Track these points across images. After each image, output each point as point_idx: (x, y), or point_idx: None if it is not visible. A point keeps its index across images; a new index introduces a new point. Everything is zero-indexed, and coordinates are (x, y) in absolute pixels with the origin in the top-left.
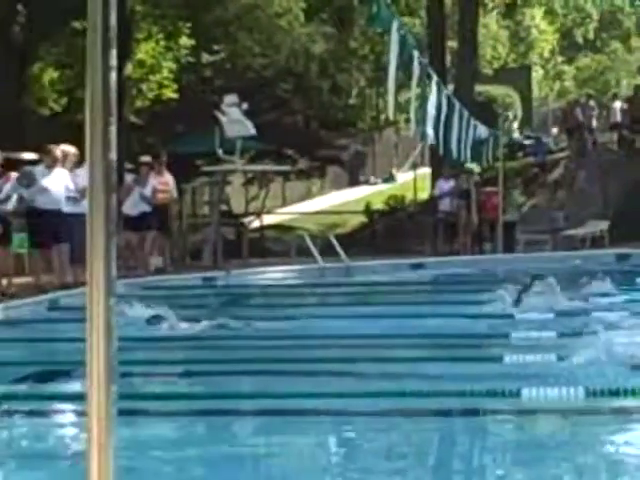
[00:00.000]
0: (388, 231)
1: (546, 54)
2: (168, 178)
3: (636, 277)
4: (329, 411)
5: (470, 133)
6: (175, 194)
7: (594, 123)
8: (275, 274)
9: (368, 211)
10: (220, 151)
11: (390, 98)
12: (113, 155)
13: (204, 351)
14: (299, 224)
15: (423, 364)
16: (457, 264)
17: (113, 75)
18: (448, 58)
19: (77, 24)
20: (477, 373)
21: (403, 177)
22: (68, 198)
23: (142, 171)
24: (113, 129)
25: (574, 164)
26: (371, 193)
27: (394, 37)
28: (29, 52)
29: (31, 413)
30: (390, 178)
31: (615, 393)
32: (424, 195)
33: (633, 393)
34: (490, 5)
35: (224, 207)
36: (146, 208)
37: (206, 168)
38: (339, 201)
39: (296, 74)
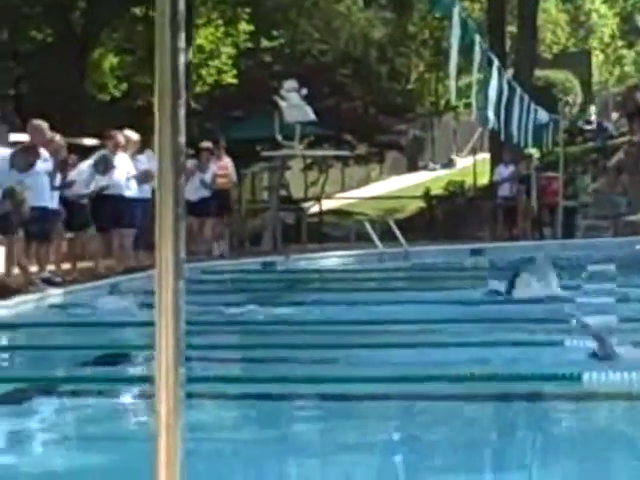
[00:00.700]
0: (447, 216)
1: (606, 38)
2: (227, 163)
3: None
4: (391, 395)
5: (531, 118)
6: (235, 178)
7: None
8: (334, 259)
9: (427, 196)
10: (279, 136)
11: (452, 82)
12: (182, 138)
13: (263, 336)
14: (358, 209)
15: (482, 349)
16: (516, 250)
17: (182, 58)
18: (508, 43)
19: (137, 10)
20: (538, 357)
21: (462, 162)
22: (128, 181)
23: (203, 157)
24: (182, 112)
25: (636, 149)
26: (430, 178)
27: (455, 21)
28: (89, 38)
29: (98, 394)
30: (449, 163)
31: None
32: (483, 180)
33: None
34: None
35: (283, 192)
36: (206, 193)
37: (265, 153)
38: (398, 186)
39: (355, 59)
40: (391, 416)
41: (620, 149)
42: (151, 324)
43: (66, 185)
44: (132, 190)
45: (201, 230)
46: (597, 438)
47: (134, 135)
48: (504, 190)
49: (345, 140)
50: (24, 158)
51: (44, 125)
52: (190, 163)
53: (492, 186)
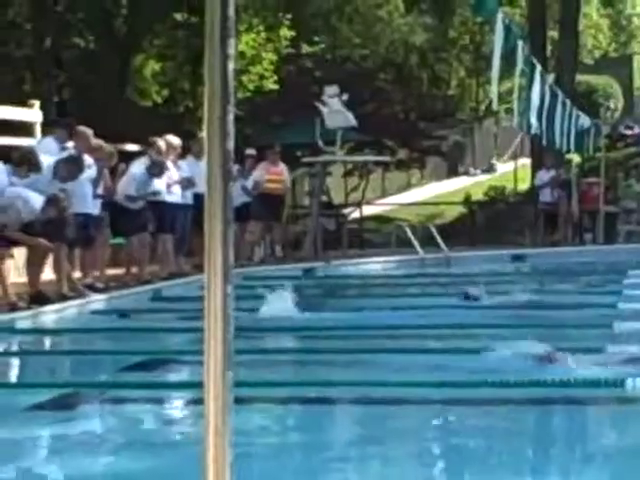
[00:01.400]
0: (488, 222)
1: None
2: (282, 168)
3: None
4: (429, 400)
5: (573, 123)
6: (289, 184)
7: None
8: (375, 265)
9: (468, 202)
10: (320, 142)
11: (493, 88)
12: (231, 144)
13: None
14: (398, 215)
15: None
16: (557, 255)
17: (231, 64)
18: (549, 48)
19: (178, 16)
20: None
21: (503, 168)
22: (170, 187)
23: (247, 163)
24: (231, 118)
25: None
26: (471, 184)
27: (499, 27)
28: (131, 45)
29: (144, 400)
30: (490, 169)
31: None
32: (524, 186)
33: None
34: None
35: (324, 198)
36: (247, 199)
37: (307, 159)
38: (438, 192)
39: (396, 65)
40: (432, 421)
41: None
42: (196, 330)
43: (128, 197)
44: (175, 196)
45: (242, 235)
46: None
47: (176, 140)
48: (545, 195)
49: (386, 145)
50: (67, 169)
51: (89, 132)
52: (233, 169)
53: (533, 191)
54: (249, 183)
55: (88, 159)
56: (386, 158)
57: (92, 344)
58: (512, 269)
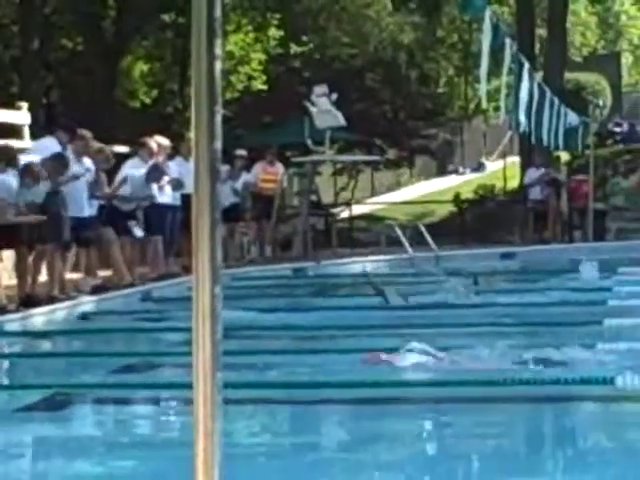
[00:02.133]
0: (477, 220)
1: (636, 40)
2: (279, 169)
3: None
4: (421, 399)
5: (561, 121)
6: (284, 185)
7: None
8: (365, 264)
9: (457, 200)
10: (310, 142)
11: (482, 86)
12: (218, 144)
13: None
14: (388, 214)
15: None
16: (547, 253)
17: (218, 64)
18: (537, 46)
19: (166, 17)
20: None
21: (492, 166)
22: (162, 188)
23: (236, 164)
24: (218, 119)
25: None
26: (460, 182)
27: (487, 25)
28: (120, 46)
29: (132, 402)
30: (479, 167)
31: None
32: (514, 184)
33: None
34: None
35: (314, 198)
36: (236, 199)
37: (296, 159)
38: (428, 191)
39: (384, 64)
40: (424, 419)
41: None
42: (184, 330)
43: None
44: (166, 197)
45: (231, 236)
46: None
47: (165, 141)
48: (534, 193)
49: (375, 145)
50: (52, 166)
51: (89, 135)
52: (223, 170)
53: (522, 189)
54: (239, 184)
55: (87, 162)
56: (375, 157)
57: (83, 346)
58: (502, 267)
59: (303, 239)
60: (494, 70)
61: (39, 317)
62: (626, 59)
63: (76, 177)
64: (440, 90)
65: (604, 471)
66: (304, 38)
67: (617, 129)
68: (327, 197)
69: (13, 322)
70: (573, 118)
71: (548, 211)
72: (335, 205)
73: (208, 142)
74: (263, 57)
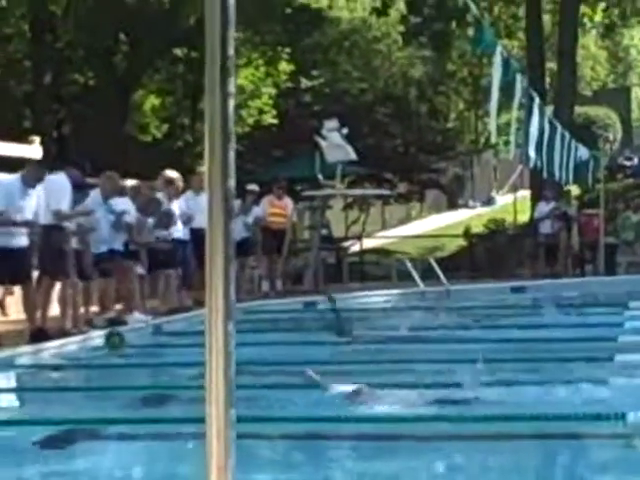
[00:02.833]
0: (488, 254)
1: None
2: (288, 203)
3: None
4: (427, 436)
5: (572, 155)
6: (294, 219)
7: None
8: (375, 298)
9: (468, 234)
10: (320, 176)
11: (492, 121)
12: (232, 181)
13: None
14: (399, 248)
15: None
16: (558, 287)
17: (232, 102)
18: (547, 80)
19: (178, 51)
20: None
21: (502, 200)
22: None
23: (247, 199)
24: (232, 155)
25: None
26: (470, 216)
27: (497, 60)
28: (131, 80)
29: (144, 436)
30: (489, 201)
31: None
32: (524, 218)
33: None
34: (589, 26)
35: (325, 231)
36: (247, 234)
37: (307, 193)
38: (438, 225)
39: (395, 98)
40: (431, 455)
41: None
42: (196, 364)
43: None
44: (178, 232)
45: (242, 269)
46: None
47: (175, 175)
48: (545, 227)
49: (385, 179)
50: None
51: (115, 174)
52: (235, 204)
53: (533, 223)
54: (250, 219)
55: (119, 203)
56: (386, 192)
57: (94, 380)
58: (512, 301)
59: (314, 273)
60: (504, 104)
61: (50, 350)
62: (636, 93)
63: (86, 213)
64: (450, 124)
65: None
66: (314, 72)
67: (627, 163)
68: (338, 231)
69: (24, 355)
70: (583, 152)
71: (559, 245)
72: (346, 239)
73: (222, 180)
74: (273, 91)
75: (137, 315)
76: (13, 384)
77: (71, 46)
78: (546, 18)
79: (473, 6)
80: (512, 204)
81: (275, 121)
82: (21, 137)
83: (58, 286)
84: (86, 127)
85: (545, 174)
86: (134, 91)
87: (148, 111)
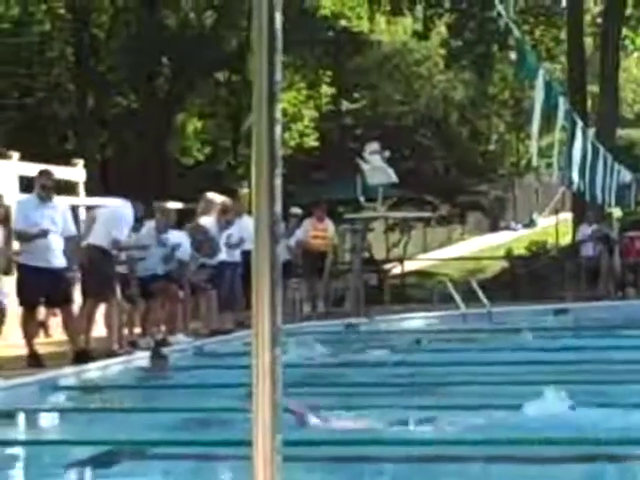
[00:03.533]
0: (530, 277)
1: None
2: (328, 225)
3: None
4: (472, 457)
5: (614, 177)
6: (335, 241)
7: None
8: (417, 320)
9: (509, 256)
10: (362, 198)
11: (533, 144)
12: (278, 207)
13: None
14: (440, 270)
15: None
16: (600, 310)
17: (278, 128)
18: (589, 102)
19: (220, 75)
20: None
21: (544, 222)
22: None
23: (291, 222)
24: (278, 181)
25: None
26: (512, 239)
27: (539, 84)
28: (173, 103)
29: (187, 459)
30: (531, 223)
31: None
32: (566, 240)
33: None
34: (630, 48)
35: (366, 254)
36: (289, 256)
37: (348, 215)
38: (480, 247)
39: (436, 120)
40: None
41: None
42: (239, 386)
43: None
44: (223, 254)
45: (285, 291)
46: None
47: (219, 198)
48: (587, 250)
49: (427, 201)
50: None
51: (172, 210)
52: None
53: (574, 246)
54: (292, 241)
55: (174, 236)
56: (427, 214)
57: (139, 401)
58: (555, 323)
59: (356, 295)
60: (545, 127)
61: (94, 372)
62: None
63: (142, 248)
64: (491, 147)
65: None
66: (356, 95)
67: None
68: (379, 253)
69: (68, 377)
70: (626, 175)
71: (600, 267)
72: (387, 261)
73: (269, 205)
74: (315, 114)
75: (180, 337)
76: (58, 404)
77: (114, 70)
78: (588, 41)
79: (515, 30)
80: (554, 226)
81: (316, 144)
82: (65, 160)
83: (102, 308)
84: (128, 150)
85: (588, 197)
86: (176, 114)
87: (190, 134)
